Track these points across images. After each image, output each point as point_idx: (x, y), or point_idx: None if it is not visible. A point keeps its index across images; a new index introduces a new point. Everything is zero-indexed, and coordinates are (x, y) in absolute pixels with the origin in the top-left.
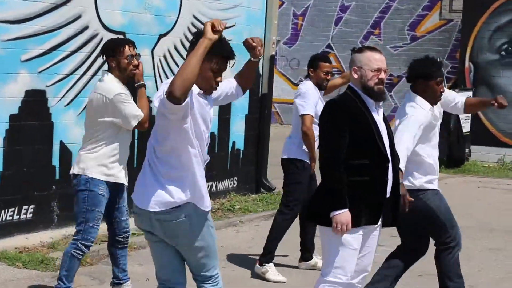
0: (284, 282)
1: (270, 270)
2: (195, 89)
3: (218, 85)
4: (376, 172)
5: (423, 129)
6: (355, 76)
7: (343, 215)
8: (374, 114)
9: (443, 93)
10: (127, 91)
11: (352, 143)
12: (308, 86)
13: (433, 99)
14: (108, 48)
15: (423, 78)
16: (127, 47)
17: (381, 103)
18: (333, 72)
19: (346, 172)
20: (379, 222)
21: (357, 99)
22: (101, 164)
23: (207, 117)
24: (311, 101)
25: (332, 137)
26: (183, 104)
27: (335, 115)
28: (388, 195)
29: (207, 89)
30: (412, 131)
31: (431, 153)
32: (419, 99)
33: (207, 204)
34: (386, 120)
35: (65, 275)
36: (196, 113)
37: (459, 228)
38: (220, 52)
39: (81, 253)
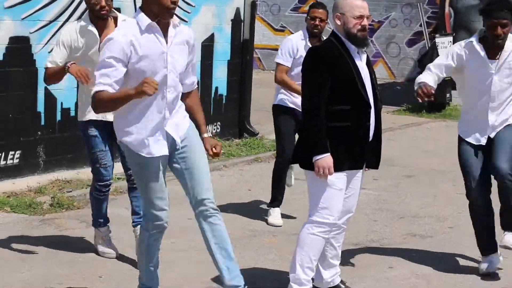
0: (280, 226)
1: (273, 213)
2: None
3: (174, 5)
4: (358, 117)
5: None
6: (338, 22)
7: (324, 160)
8: (357, 60)
9: None
10: (74, 34)
11: (333, 89)
12: (290, 36)
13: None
14: None
15: None
16: None
17: (364, 49)
18: (323, 19)
19: (328, 117)
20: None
21: (339, 45)
22: (83, 105)
23: (156, 55)
24: (283, 50)
25: (312, 83)
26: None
27: (316, 62)
28: (370, 139)
29: (164, 13)
30: None
31: None
32: None
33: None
34: (370, 65)
35: (95, 214)
36: (138, 61)
37: None
38: None
39: (100, 193)
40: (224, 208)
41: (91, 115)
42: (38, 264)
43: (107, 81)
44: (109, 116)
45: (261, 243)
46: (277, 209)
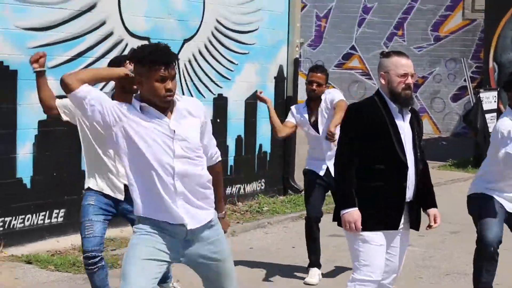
0: (314, 285)
1: (310, 273)
2: (136, 104)
3: (170, 92)
4: (393, 177)
5: None
6: (383, 81)
7: (351, 214)
8: (397, 120)
9: None
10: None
11: (369, 148)
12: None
13: None
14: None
15: None
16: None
17: (408, 109)
18: (320, 83)
19: (364, 176)
20: (401, 226)
21: (380, 104)
22: (89, 173)
23: (155, 137)
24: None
25: (345, 139)
26: (76, 91)
27: (351, 119)
28: (408, 200)
29: (161, 102)
30: None
31: None
32: None
33: None
34: (417, 124)
35: None
36: (130, 129)
37: None
38: (155, 61)
39: (86, 266)
40: (268, 266)
41: (91, 184)
42: None
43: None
44: (108, 190)
45: None
46: (314, 268)
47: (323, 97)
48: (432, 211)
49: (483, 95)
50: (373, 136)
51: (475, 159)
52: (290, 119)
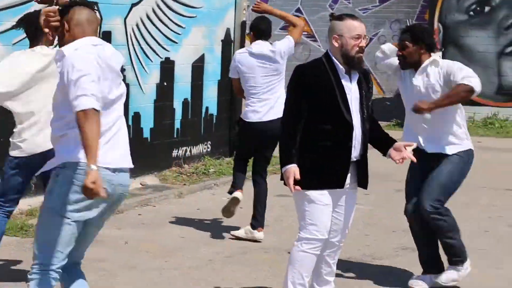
0: (260, 241)
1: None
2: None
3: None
4: (339, 137)
5: None
6: (336, 44)
7: (286, 171)
8: (345, 81)
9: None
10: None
11: (315, 108)
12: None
13: None
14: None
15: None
16: None
17: (357, 70)
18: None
19: (311, 136)
20: (347, 185)
21: (328, 66)
22: None
23: None
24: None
25: (291, 99)
26: None
27: (297, 79)
28: (355, 159)
29: None
30: None
31: None
32: None
33: None
34: (365, 84)
35: None
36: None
37: None
38: None
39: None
40: (216, 226)
41: None
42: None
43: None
44: None
45: (254, 260)
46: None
47: None
48: (397, 144)
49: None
50: (319, 97)
51: None
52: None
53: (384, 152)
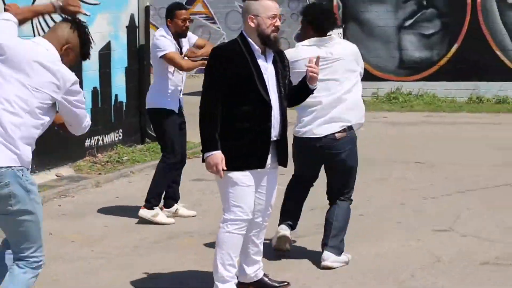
0: (173, 223)
1: (160, 213)
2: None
3: None
4: (258, 118)
5: None
6: (252, 24)
7: (212, 157)
8: (260, 60)
9: None
10: None
11: (232, 90)
12: (160, 33)
13: None
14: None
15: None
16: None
17: (271, 50)
18: (192, 19)
19: (230, 118)
20: (268, 164)
21: (243, 47)
22: None
23: None
24: (165, 43)
25: (208, 83)
26: None
27: (214, 60)
28: (275, 138)
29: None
30: None
31: None
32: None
33: None
34: (278, 63)
35: None
36: None
37: None
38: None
39: None
40: (137, 213)
41: None
42: None
43: None
44: None
45: (180, 245)
46: (159, 211)
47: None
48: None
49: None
50: (236, 78)
51: None
52: (173, 49)
53: (306, 87)
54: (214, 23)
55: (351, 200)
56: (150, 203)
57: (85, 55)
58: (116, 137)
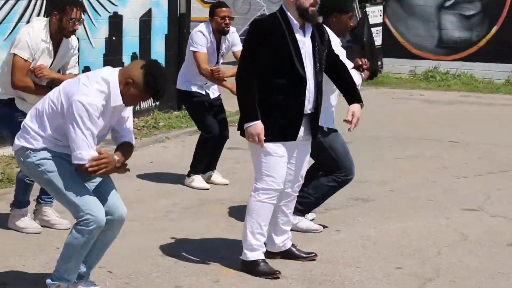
0: (208, 189)
1: (196, 179)
2: (116, 101)
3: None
4: (292, 91)
5: None
6: None
7: (254, 127)
8: (298, 35)
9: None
10: (39, 43)
11: (270, 62)
12: (199, 28)
13: (343, 32)
14: (60, 2)
15: (337, 12)
16: (75, 9)
17: (311, 24)
18: (232, 16)
19: (265, 90)
20: (300, 137)
21: (282, 21)
22: None
23: None
24: (199, 40)
25: (246, 54)
26: None
27: (253, 33)
28: (309, 111)
29: (130, 104)
30: None
31: None
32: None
33: None
34: (316, 38)
35: (20, 197)
36: None
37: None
38: (155, 95)
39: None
40: (171, 179)
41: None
42: None
43: None
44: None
45: (211, 211)
46: (198, 175)
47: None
48: (352, 106)
49: (369, 9)
50: (273, 51)
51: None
52: (204, 50)
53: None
54: None
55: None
56: (189, 172)
57: (153, 95)
58: (153, 102)
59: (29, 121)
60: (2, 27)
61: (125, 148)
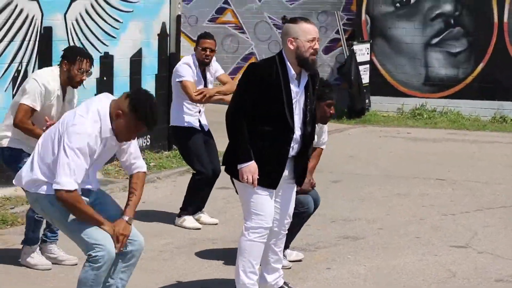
0: (199, 229)
1: (187, 219)
2: (107, 133)
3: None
4: (278, 139)
5: None
6: (291, 47)
7: (248, 168)
8: (293, 86)
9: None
10: (49, 89)
11: (260, 109)
12: (184, 61)
13: (323, 119)
14: (71, 54)
15: (316, 99)
16: (85, 61)
17: (306, 74)
18: (214, 49)
19: (252, 135)
20: (285, 177)
21: (280, 68)
22: None
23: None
24: (185, 70)
25: (239, 93)
26: None
27: (248, 76)
28: (294, 154)
29: (123, 140)
30: None
31: None
32: None
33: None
34: (310, 88)
35: (31, 233)
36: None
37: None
38: (148, 125)
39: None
40: (163, 219)
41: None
42: None
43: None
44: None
45: (203, 251)
46: (189, 215)
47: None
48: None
49: (357, 47)
50: (265, 98)
51: (349, 110)
52: (190, 79)
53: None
54: (243, 33)
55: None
56: (180, 213)
57: (143, 120)
58: (144, 142)
59: (35, 169)
60: None
61: (135, 200)
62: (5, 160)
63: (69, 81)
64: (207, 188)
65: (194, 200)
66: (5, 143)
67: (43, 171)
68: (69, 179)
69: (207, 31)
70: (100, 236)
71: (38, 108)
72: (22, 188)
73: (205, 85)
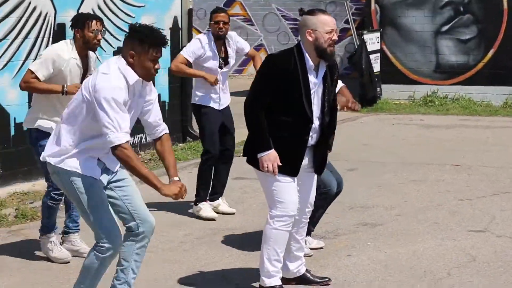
0: (214, 220)
1: (203, 208)
2: (133, 78)
3: (157, 72)
4: (297, 130)
5: None
6: (310, 38)
7: (268, 156)
8: (311, 77)
9: None
10: (62, 57)
11: (279, 99)
12: (198, 36)
13: None
14: (79, 20)
15: None
16: (94, 21)
17: (326, 64)
18: (227, 22)
19: (270, 125)
20: (305, 166)
21: (298, 59)
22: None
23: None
24: (190, 47)
25: (257, 84)
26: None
27: (267, 67)
28: (313, 143)
29: (148, 77)
30: None
31: None
32: None
33: None
34: (328, 79)
35: (46, 222)
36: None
37: None
38: (155, 44)
39: (54, 202)
40: (181, 211)
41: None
42: (12, 273)
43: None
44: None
45: (223, 241)
46: (204, 202)
47: (228, 36)
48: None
49: (367, 36)
50: (284, 89)
51: (361, 98)
52: (187, 57)
53: None
54: (252, 24)
55: None
56: (196, 201)
57: (154, 41)
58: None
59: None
60: (10, 66)
61: (173, 160)
62: (32, 141)
63: (86, 46)
64: (222, 170)
65: (204, 183)
66: (34, 124)
67: (67, 141)
68: (117, 134)
69: (218, 6)
70: (110, 229)
71: (40, 77)
72: (44, 159)
73: (226, 60)
